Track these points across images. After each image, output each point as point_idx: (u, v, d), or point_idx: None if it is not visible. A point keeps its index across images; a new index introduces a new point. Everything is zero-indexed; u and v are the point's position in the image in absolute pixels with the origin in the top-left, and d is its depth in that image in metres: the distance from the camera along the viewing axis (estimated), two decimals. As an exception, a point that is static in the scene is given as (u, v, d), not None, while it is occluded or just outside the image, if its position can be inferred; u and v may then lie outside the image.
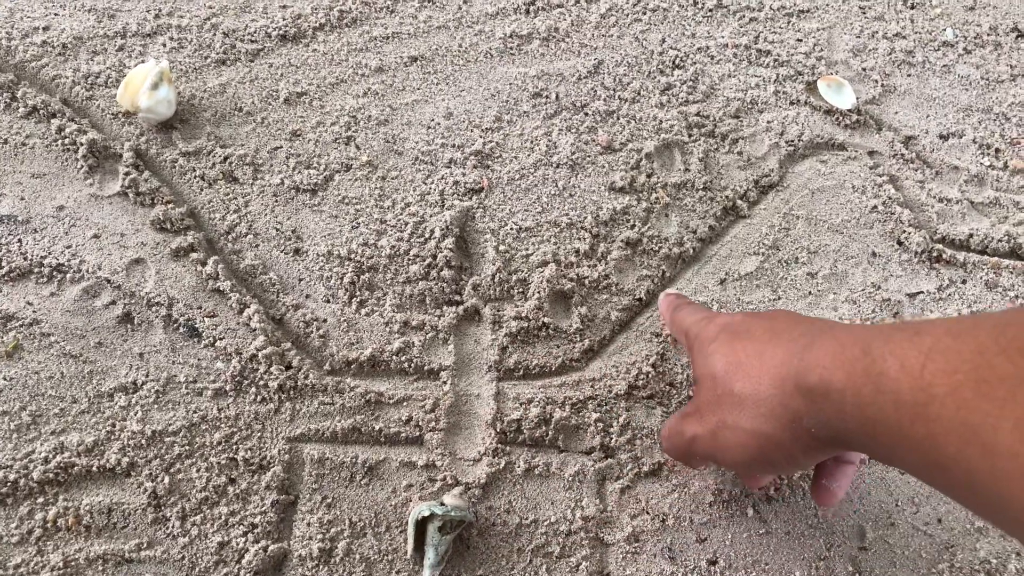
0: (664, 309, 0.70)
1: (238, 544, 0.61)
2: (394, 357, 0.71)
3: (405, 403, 0.69)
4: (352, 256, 0.76)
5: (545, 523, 0.65)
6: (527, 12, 0.99)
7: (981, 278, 0.83)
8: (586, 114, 0.90)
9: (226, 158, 0.80)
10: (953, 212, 0.89)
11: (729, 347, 0.53)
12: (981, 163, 0.94)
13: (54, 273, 0.71)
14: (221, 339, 0.69)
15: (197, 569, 0.60)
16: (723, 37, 1.01)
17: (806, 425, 0.47)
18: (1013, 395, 0.36)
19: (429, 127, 0.87)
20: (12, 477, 0.60)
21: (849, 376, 0.43)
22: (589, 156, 0.86)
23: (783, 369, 0.48)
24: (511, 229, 0.79)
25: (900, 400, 0.40)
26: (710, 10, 1.04)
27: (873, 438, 0.42)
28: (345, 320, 0.73)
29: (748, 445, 0.50)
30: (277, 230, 0.77)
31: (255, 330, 0.70)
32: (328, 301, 0.74)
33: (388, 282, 0.75)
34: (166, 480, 0.63)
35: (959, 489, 0.39)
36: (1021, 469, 0.34)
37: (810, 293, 0.80)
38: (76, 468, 0.62)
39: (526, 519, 0.65)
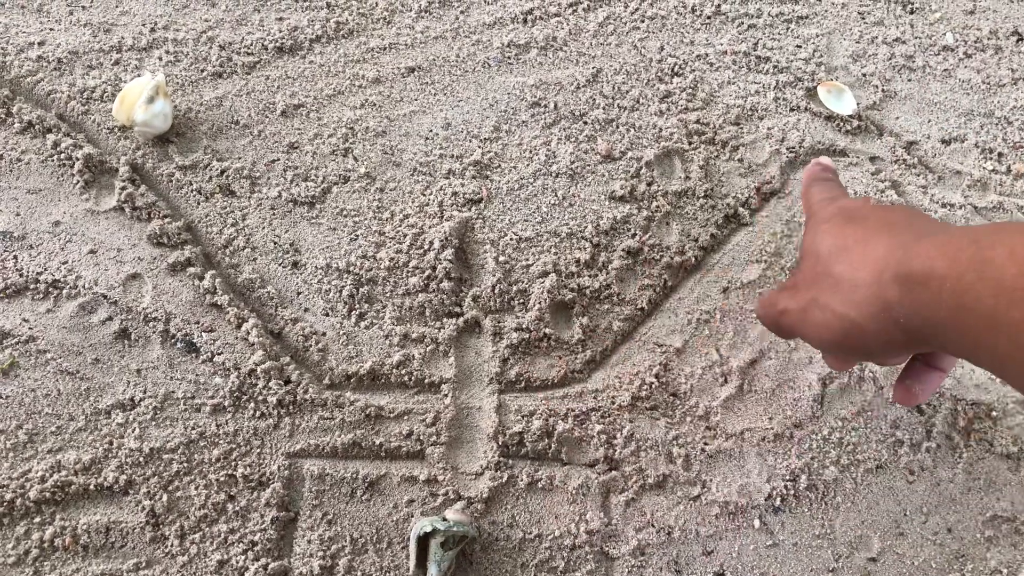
0: (805, 178, 0.69)
1: (238, 562, 0.60)
2: (394, 370, 0.70)
3: (406, 417, 0.68)
4: (351, 269, 0.75)
5: (549, 537, 0.64)
6: (524, 21, 0.98)
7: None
8: (585, 123, 0.89)
9: (223, 171, 0.80)
10: (957, 217, 0.88)
11: (839, 229, 0.53)
12: (984, 167, 0.93)
13: (50, 289, 0.70)
14: (219, 354, 0.69)
15: (196, 589, 0.59)
16: (722, 44, 1.01)
17: (895, 315, 0.47)
18: None
19: (427, 138, 0.86)
20: (8, 497, 0.60)
21: (953, 263, 0.43)
22: (589, 165, 0.86)
23: (886, 259, 0.48)
24: (511, 239, 0.79)
25: (1002, 285, 0.40)
26: (708, 17, 1.04)
27: (963, 325, 0.43)
28: (344, 333, 0.72)
29: (833, 327, 0.51)
30: (275, 243, 0.76)
31: (253, 345, 0.69)
32: (327, 314, 0.73)
33: (387, 294, 0.74)
34: (164, 498, 0.62)
35: None
36: None
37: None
38: (73, 487, 0.61)
39: (530, 533, 0.64)
